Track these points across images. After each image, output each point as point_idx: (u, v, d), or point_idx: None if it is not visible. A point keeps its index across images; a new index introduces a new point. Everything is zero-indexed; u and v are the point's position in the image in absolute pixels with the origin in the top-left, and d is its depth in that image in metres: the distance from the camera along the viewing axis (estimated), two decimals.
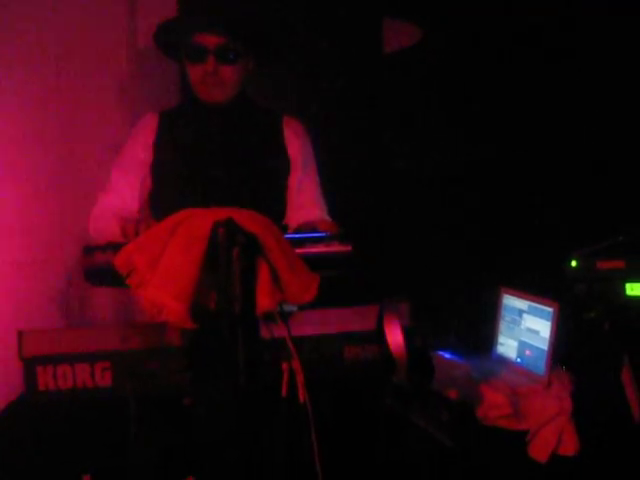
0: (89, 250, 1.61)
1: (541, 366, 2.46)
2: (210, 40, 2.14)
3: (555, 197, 2.89)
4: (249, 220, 1.52)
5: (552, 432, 2.28)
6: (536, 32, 2.91)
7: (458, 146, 3.04)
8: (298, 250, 1.61)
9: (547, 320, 2.47)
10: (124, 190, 2.27)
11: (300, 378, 1.59)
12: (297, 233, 1.84)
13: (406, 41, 3.17)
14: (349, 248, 1.67)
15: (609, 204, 2.79)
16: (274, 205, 2.25)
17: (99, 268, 1.59)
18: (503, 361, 2.66)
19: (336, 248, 1.67)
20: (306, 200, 2.31)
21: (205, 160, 2.24)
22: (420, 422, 2.22)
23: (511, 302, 2.67)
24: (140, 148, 2.27)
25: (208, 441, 1.78)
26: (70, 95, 2.94)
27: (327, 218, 2.29)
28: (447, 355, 2.67)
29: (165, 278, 1.49)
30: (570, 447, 2.29)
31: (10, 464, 2.33)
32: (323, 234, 1.71)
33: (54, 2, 2.86)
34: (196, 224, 1.51)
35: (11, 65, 2.85)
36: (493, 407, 2.31)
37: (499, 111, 3.01)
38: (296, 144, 2.32)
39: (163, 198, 2.24)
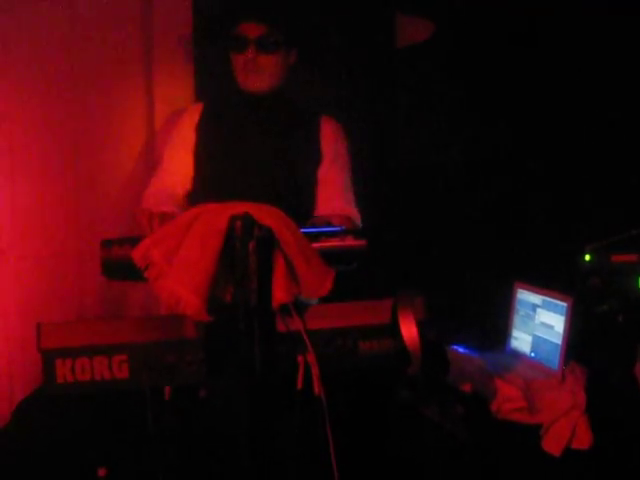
0: (107, 244, 1.62)
1: (555, 360, 2.47)
2: (252, 30, 2.25)
3: (569, 191, 2.89)
4: (265, 214, 1.53)
5: (566, 426, 2.28)
6: (549, 20, 2.91)
7: (471, 140, 3.04)
8: (313, 244, 1.62)
9: (561, 315, 2.47)
10: (177, 168, 2.36)
11: (315, 371, 1.61)
12: (311, 227, 1.85)
13: (418, 36, 3.17)
14: (364, 242, 1.68)
15: (624, 198, 2.79)
16: (304, 198, 2.32)
17: (117, 261, 1.61)
18: (517, 355, 2.66)
19: (351, 242, 1.68)
20: (332, 193, 2.36)
21: (241, 148, 2.34)
22: (434, 415, 2.23)
23: (525, 297, 2.68)
24: (187, 136, 2.37)
25: (224, 433, 1.80)
26: (85, 89, 2.96)
27: (352, 210, 2.33)
28: (461, 349, 2.67)
29: (182, 271, 1.51)
30: (584, 441, 2.29)
31: (28, 455, 2.36)
32: (338, 228, 1.73)
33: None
34: (213, 218, 1.52)
35: (25, 55, 2.87)
36: (507, 401, 2.32)
37: (510, 105, 3.01)
38: (331, 140, 2.39)
39: (201, 183, 2.34)
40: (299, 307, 1.61)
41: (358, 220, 2.31)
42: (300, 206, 2.22)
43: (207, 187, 2.31)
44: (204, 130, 2.36)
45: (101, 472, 2.31)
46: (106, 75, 2.93)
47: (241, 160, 2.33)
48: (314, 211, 2.35)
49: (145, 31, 2.96)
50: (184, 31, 2.90)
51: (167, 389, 1.69)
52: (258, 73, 2.29)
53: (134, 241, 1.58)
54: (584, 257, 2.41)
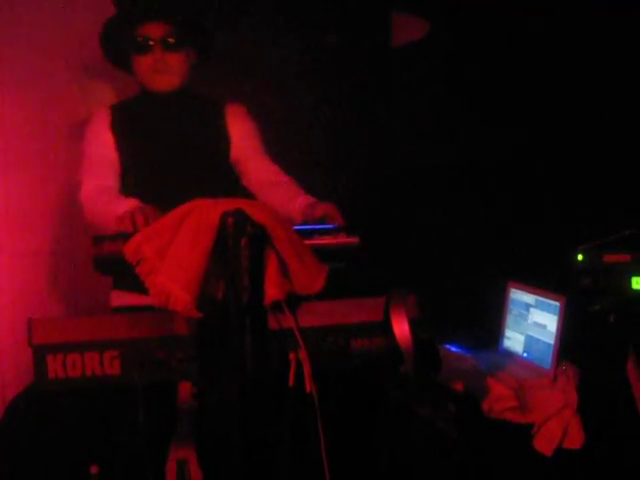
0: (98, 239, 1.62)
1: (547, 360, 2.47)
2: (155, 29, 2.26)
3: (562, 190, 2.89)
4: (258, 211, 1.53)
5: (557, 425, 2.29)
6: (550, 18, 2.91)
7: (465, 140, 3.04)
8: (306, 242, 1.62)
9: (554, 314, 2.48)
10: (102, 169, 2.33)
11: (307, 368, 1.60)
12: (304, 224, 1.86)
13: (414, 34, 3.17)
14: (356, 240, 1.69)
15: (616, 198, 2.79)
16: (222, 187, 2.24)
17: (108, 257, 1.61)
18: (510, 355, 2.67)
19: (343, 240, 1.68)
20: (250, 152, 2.39)
21: (153, 148, 2.34)
22: (425, 414, 2.23)
23: (518, 296, 2.68)
24: (103, 133, 2.35)
25: (215, 430, 1.80)
26: (80, 86, 2.95)
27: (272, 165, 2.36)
28: (454, 348, 2.68)
29: (173, 267, 1.51)
30: (575, 441, 2.30)
31: (20, 452, 2.36)
32: (331, 226, 1.73)
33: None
34: (205, 214, 1.52)
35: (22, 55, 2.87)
36: (499, 400, 2.32)
37: (505, 106, 3.01)
38: (237, 124, 2.40)
39: (124, 182, 2.33)
40: (291, 304, 1.61)
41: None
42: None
43: (136, 187, 2.29)
44: (119, 130, 2.34)
45: (93, 469, 2.30)
46: (101, 74, 2.93)
47: (159, 160, 2.34)
48: (245, 183, 2.37)
49: None
50: None
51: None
52: (167, 73, 2.29)
53: (126, 237, 1.58)
54: (577, 257, 2.42)
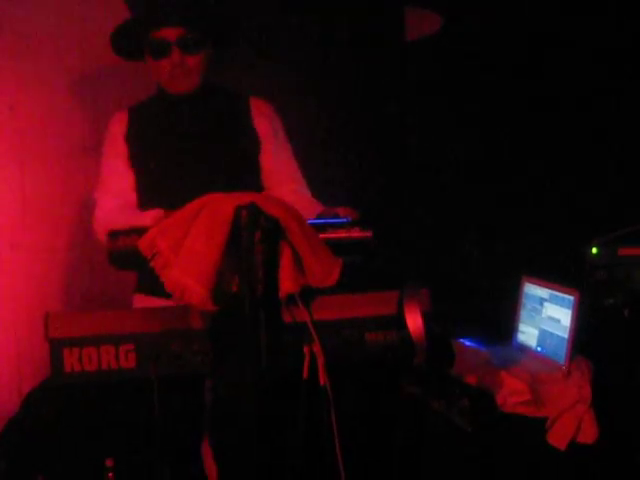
0: (114, 234, 1.63)
1: (561, 354, 2.46)
2: (170, 33, 2.20)
3: (576, 184, 2.88)
4: (272, 204, 1.53)
5: (571, 420, 2.28)
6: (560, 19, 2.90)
7: (479, 135, 3.03)
8: (320, 235, 1.62)
9: (568, 308, 2.47)
10: (116, 188, 2.31)
11: (321, 361, 1.61)
12: (318, 219, 1.86)
13: (427, 29, 3.17)
14: (370, 234, 1.69)
15: (630, 191, 2.78)
16: (248, 187, 2.23)
17: (123, 251, 1.62)
18: (523, 349, 2.66)
19: (357, 234, 1.69)
20: (283, 177, 2.35)
21: (176, 150, 2.30)
22: (439, 408, 2.23)
23: (532, 290, 2.67)
24: (118, 146, 2.33)
25: (230, 423, 1.81)
26: (97, 80, 2.97)
27: (307, 193, 2.33)
28: (467, 342, 2.67)
29: (188, 261, 1.52)
30: (589, 435, 2.29)
31: (36, 445, 2.37)
32: (344, 220, 1.73)
33: None
34: (219, 208, 1.52)
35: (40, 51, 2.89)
36: (513, 393, 2.31)
37: (522, 99, 3.00)
38: (264, 123, 2.36)
39: (143, 190, 2.29)
40: (305, 298, 1.62)
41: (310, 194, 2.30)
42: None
43: (151, 194, 2.27)
44: (134, 138, 2.31)
45: (109, 462, 2.32)
46: (117, 67, 2.94)
47: (178, 162, 2.30)
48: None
49: None
50: None
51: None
52: (186, 76, 2.25)
53: (141, 231, 1.59)
54: (591, 250, 2.41)
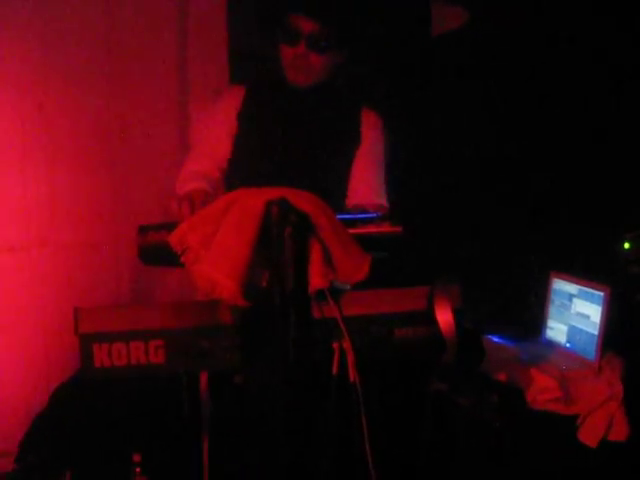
0: (143, 229, 1.63)
1: (591, 351, 2.44)
2: (305, 24, 2.19)
3: (608, 178, 2.85)
4: (302, 199, 1.52)
5: (602, 417, 2.26)
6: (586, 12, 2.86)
7: (509, 130, 3.01)
8: (349, 230, 1.61)
9: (598, 304, 2.45)
10: (214, 150, 2.31)
11: (350, 358, 1.60)
12: (348, 214, 1.85)
13: (454, 23, 3.14)
14: (400, 229, 1.68)
15: None
16: (340, 188, 2.28)
17: (153, 247, 1.62)
18: (552, 345, 2.64)
19: (387, 229, 1.67)
20: (365, 186, 2.33)
21: (281, 138, 2.30)
22: (469, 404, 2.22)
23: (561, 286, 2.65)
24: (226, 116, 2.32)
25: (259, 419, 1.80)
26: (122, 78, 2.98)
27: (383, 202, 2.30)
28: (496, 339, 2.66)
29: (218, 256, 1.51)
30: (620, 433, 2.27)
31: (64, 440, 2.39)
32: (374, 215, 1.72)
33: None
34: (249, 203, 1.52)
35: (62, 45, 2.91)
36: (543, 390, 2.30)
37: (550, 92, 2.97)
38: (370, 134, 2.35)
39: (238, 169, 2.30)
40: (335, 293, 1.61)
41: (386, 208, 2.26)
42: (333, 197, 2.19)
43: (244, 176, 2.26)
44: (246, 117, 2.31)
45: (136, 458, 2.33)
46: (141, 60, 2.95)
47: (280, 152, 2.29)
48: (345, 200, 2.32)
49: (180, 12, 2.98)
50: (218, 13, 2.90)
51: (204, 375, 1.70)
52: (307, 71, 2.24)
53: (170, 227, 1.58)
54: (623, 245, 2.38)
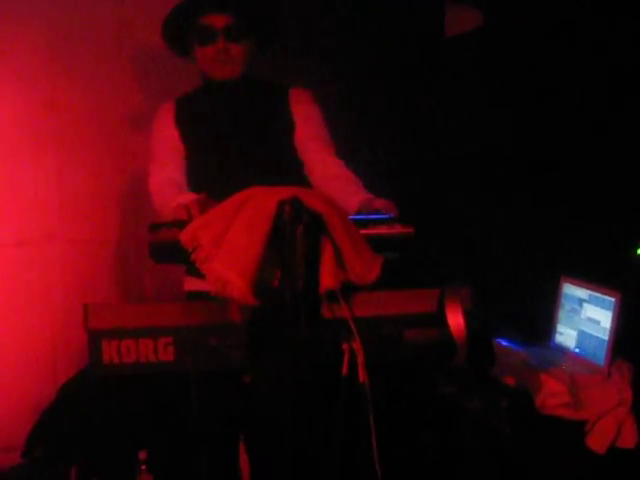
0: (155, 227, 1.63)
1: (601, 356, 2.43)
2: (217, 20, 2.26)
3: (619, 183, 2.83)
4: (314, 199, 1.52)
5: (611, 423, 2.25)
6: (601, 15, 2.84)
7: (521, 132, 2.99)
8: (361, 231, 1.61)
9: (608, 310, 2.43)
10: (171, 161, 2.34)
11: (360, 358, 1.59)
12: (359, 214, 1.84)
13: (469, 25, 3.14)
14: (411, 230, 1.67)
15: None
16: (285, 166, 2.31)
17: (164, 244, 1.61)
18: (562, 350, 2.63)
19: (399, 230, 1.67)
20: (316, 140, 2.36)
21: (217, 134, 2.34)
22: (477, 408, 2.21)
23: (571, 291, 2.63)
24: (168, 128, 2.36)
25: (267, 418, 1.80)
26: (132, 72, 2.99)
27: (338, 160, 2.32)
28: (505, 343, 2.64)
29: (230, 255, 1.50)
30: (629, 440, 2.25)
31: (70, 436, 2.39)
32: (386, 216, 1.71)
33: None
34: (261, 202, 1.51)
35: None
36: (552, 395, 2.28)
37: (560, 98, 2.96)
38: (300, 106, 2.38)
39: (195, 171, 2.33)
40: (346, 294, 1.60)
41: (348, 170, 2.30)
42: (290, 175, 2.25)
43: (202, 176, 2.31)
44: (183, 125, 2.36)
45: (142, 455, 2.33)
46: (150, 54, 2.95)
47: (224, 147, 2.34)
48: (308, 172, 2.34)
49: None
50: None
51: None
52: (229, 63, 2.30)
53: (182, 224, 1.58)
54: (635, 251, 2.37)
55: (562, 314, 2.67)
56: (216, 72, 2.32)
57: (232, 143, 2.34)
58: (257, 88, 2.40)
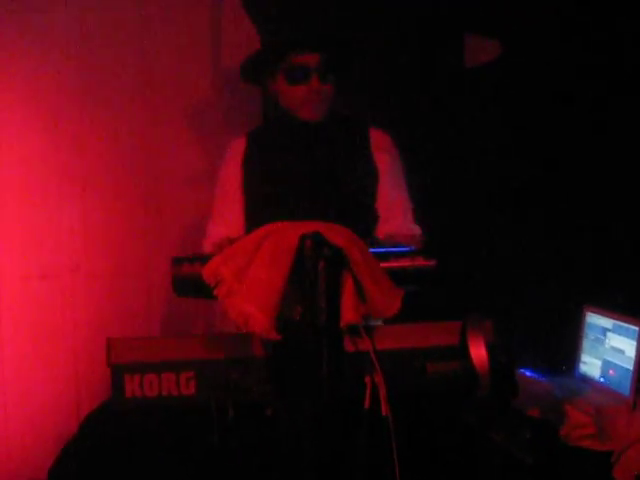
0: (178, 261, 1.64)
1: (626, 386, 2.40)
2: (311, 59, 2.19)
3: None
4: (335, 233, 1.53)
5: (638, 454, 2.22)
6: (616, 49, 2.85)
7: (540, 161, 2.99)
8: (382, 264, 1.61)
9: (633, 339, 2.41)
10: (230, 218, 2.31)
11: (383, 392, 1.59)
12: (381, 247, 1.84)
13: (487, 56, 3.14)
14: (433, 263, 1.67)
15: None
16: (362, 218, 2.25)
17: (187, 279, 1.63)
18: (586, 380, 2.60)
19: (420, 263, 1.66)
20: (394, 212, 2.32)
21: (293, 176, 2.27)
22: (501, 440, 2.19)
23: (595, 320, 2.62)
24: (233, 173, 2.32)
25: (290, 452, 1.79)
26: (157, 108, 3.02)
27: (413, 227, 2.30)
28: (528, 373, 2.62)
29: (251, 289, 1.51)
30: None
31: (93, 468, 2.38)
32: (408, 248, 1.71)
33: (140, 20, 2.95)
34: (283, 237, 1.52)
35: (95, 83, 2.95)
36: (576, 426, 2.26)
37: (580, 125, 2.95)
38: (383, 156, 2.33)
39: (255, 217, 2.25)
40: (367, 327, 1.60)
41: (421, 236, 2.25)
42: (361, 223, 2.14)
43: (261, 220, 2.26)
44: (251, 162, 2.30)
45: None
46: (175, 89, 2.98)
47: (292, 190, 2.26)
48: (375, 229, 2.31)
49: (215, 43, 3.01)
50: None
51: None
52: (320, 103, 2.24)
53: (204, 259, 1.59)
54: None
55: (586, 344, 2.65)
56: (305, 112, 2.26)
57: (307, 183, 2.26)
58: (338, 126, 2.33)
